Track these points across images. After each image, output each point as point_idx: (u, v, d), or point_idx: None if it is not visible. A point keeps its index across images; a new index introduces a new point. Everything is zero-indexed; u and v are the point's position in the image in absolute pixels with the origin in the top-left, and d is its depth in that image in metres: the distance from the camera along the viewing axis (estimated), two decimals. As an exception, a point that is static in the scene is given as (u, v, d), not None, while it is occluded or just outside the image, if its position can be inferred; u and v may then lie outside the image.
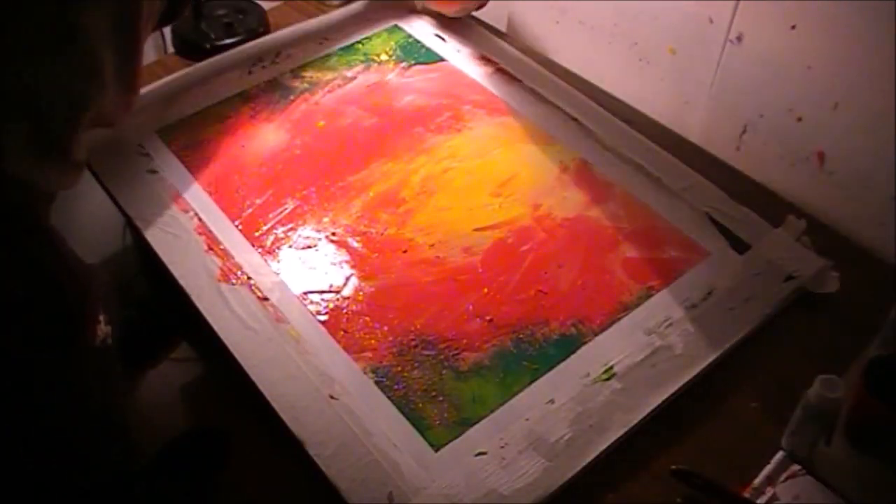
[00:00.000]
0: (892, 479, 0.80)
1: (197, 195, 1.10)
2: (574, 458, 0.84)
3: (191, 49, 1.36)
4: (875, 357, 0.83)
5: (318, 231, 1.06)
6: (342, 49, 1.34)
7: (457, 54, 1.33)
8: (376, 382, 0.90)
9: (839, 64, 1.04)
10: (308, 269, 1.02)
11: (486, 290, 0.99)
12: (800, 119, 1.12)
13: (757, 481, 0.83)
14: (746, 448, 0.86)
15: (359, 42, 1.36)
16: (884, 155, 1.03)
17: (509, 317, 0.96)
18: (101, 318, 0.85)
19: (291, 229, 1.06)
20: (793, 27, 1.07)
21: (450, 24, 1.38)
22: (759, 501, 0.81)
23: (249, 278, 1.00)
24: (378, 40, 1.36)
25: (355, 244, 1.04)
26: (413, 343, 0.94)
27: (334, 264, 1.02)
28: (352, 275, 1.01)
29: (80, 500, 0.86)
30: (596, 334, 0.94)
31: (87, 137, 0.88)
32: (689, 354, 0.92)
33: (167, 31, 1.43)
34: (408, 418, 0.87)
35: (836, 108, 1.07)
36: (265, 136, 1.19)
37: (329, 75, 1.29)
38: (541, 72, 1.29)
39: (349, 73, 1.30)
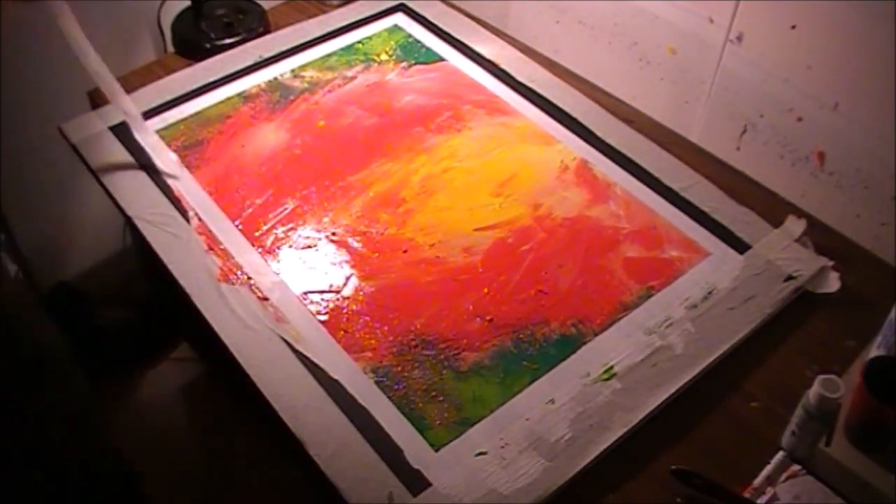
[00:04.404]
0: (892, 479, 0.80)
1: (197, 195, 1.10)
2: (574, 458, 0.84)
3: (191, 49, 1.36)
4: (875, 357, 0.84)
5: (318, 231, 1.06)
6: (342, 49, 1.34)
7: (457, 54, 1.33)
8: (376, 382, 0.90)
9: (839, 64, 1.04)
10: (308, 269, 1.02)
11: (486, 290, 0.99)
12: (800, 119, 1.12)
13: (757, 481, 0.83)
14: (746, 448, 0.86)
15: (359, 42, 1.36)
16: (884, 155, 1.04)
17: (509, 317, 0.96)
18: None
19: (291, 229, 1.06)
20: (793, 27, 1.07)
21: (450, 24, 1.38)
22: (759, 501, 0.81)
23: (249, 278, 1.00)
24: (378, 40, 1.36)
25: (355, 244, 1.04)
26: (413, 343, 0.94)
27: (334, 264, 1.02)
28: (352, 275, 1.01)
29: None
30: (596, 334, 0.94)
31: None
32: (689, 354, 0.92)
33: (167, 30, 1.43)
34: (408, 418, 0.87)
35: (836, 108, 1.07)
36: (265, 136, 1.19)
37: (329, 75, 1.29)
38: (541, 72, 1.29)
39: (349, 73, 1.30)
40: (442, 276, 1.01)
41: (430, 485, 0.82)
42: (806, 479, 0.83)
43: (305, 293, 0.99)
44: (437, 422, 0.87)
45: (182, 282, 0.99)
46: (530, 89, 1.26)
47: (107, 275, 1.71)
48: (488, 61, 1.31)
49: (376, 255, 1.03)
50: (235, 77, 1.28)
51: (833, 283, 1.00)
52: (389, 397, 0.89)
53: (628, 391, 0.89)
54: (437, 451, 0.85)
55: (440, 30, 1.37)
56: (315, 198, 1.10)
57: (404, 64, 1.31)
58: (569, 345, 0.94)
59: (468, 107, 1.23)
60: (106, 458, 0.96)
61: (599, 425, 0.86)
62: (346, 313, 0.97)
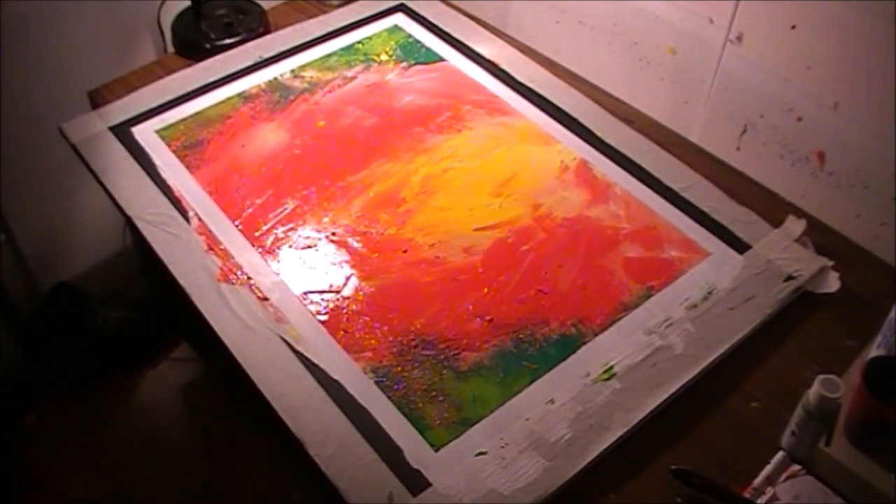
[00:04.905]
0: (892, 479, 0.80)
1: (197, 195, 1.10)
2: (574, 458, 0.84)
3: (191, 49, 1.36)
4: (875, 357, 0.84)
5: (318, 231, 1.06)
6: (342, 49, 1.34)
7: (457, 54, 1.33)
8: (376, 382, 0.90)
9: (839, 64, 1.04)
10: (308, 269, 1.02)
11: (486, 290, 0.99)
12: (800, 119, 1.12)
13: (757, 481, 0.83)
14: (746, 448, 0.86)
15: (359, 42, 1.36)
16: (884, 155, 1.04)
17: (509, 317, 0.96)
18: None
19: (291, 229, 1.06)
20: (793, 27, 1.07)
21: (450, 24, 1.38)
22: (759, 501, 0.81)
23: (249, 278, 1.00)
24: (378, 40, 1.36)
25: (355, 244, 1.04)
26: (413, 343, 0.94)
27: (334, 264, 1.02)
28: (352, 275, 1.01)
29: None
30: (596, 334, 0.94)
31: None
32: (689, 354, 0.92)
33: (167, 30, 1.43)
34: (408, 418, 0.87)
35: (836, 108, 1.07)
36: (265, 136, 1.19)
37: (329, 75, 1.29)
38: (541, 72, 1.29)
39: (349, 73, 1.30)
40: (442, 276, 1.01)
41: (430, 485, 0.82)
42: (806, 479, 0.83)
43: (305, 293, 0.99)
44: (437, 422, 0.87)
45: (182, 282, 0.99)
46: (530, 89, 1.26)
47: (107, 275, 1.71)
48: (488, 61, 1.31)
49: (376, 255, 1.03)
50: (235, 77, 1.28)
51: (833, 283, 1.00)
52: (389, 397, 0.89)
53: (628, 391, 0.89)
54: (437, 451, 0.85)
55: (440, 30, 1.37)
56: (315, 198, 1.10)
57: (404, 64, 1.31)
58: (569, 345, 0.94)
59: (468, 107, 1.23)
60: None
61: (599, 425, 0.86)
62: (346, 313, 0.97)
